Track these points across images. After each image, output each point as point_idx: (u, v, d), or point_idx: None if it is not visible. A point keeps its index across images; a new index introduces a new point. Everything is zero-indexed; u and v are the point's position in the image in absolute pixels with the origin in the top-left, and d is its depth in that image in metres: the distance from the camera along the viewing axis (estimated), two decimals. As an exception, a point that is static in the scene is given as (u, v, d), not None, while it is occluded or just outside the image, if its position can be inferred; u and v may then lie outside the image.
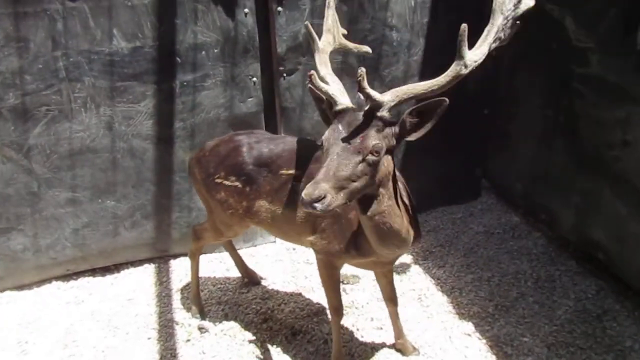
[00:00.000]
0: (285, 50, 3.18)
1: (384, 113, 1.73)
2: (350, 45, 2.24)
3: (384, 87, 3.47)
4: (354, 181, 1.68)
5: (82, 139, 3.03)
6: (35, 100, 2.87)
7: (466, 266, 3.45)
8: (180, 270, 3.50)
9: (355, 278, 3.34)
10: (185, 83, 3.07)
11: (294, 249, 3.69)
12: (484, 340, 2.82)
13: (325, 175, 1.63)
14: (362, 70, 1.61)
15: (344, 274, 3.31)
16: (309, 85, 1.85)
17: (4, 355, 2.86)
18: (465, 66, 1.71)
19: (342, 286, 3.29)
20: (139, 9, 2.84)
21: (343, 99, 1.79)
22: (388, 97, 1.74)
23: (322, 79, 1.89)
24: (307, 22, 2.11)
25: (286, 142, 2.47)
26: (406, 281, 3.34)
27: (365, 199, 1.80)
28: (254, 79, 3.22)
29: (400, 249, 2.09)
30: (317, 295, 3.22)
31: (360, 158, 1.67)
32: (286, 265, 3.55)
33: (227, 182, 2.47)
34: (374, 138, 1.70)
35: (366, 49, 2.34)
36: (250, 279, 3.35)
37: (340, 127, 1.73)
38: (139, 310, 3.15)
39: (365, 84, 1.64)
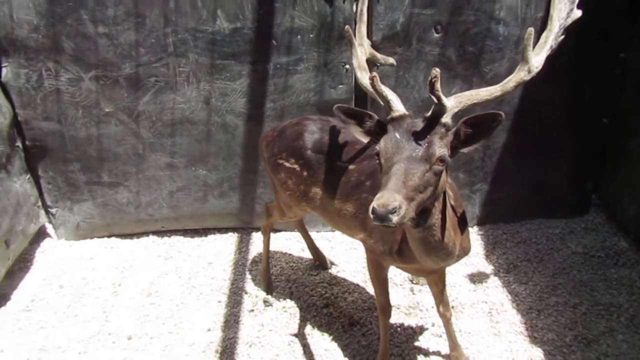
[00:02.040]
0: (381, 39, 3.11)
1: (447, 119, 1.63)
2: (379, 56, 2.14)
3: (483, 85, 3.24)
4: (421, 192, 1.58)
5: (182, 110, 3.29)
6: (147, 71, 3.17)
7: (552, 287, 3.15)
8: (259, 243, 3.66)
9: (425, 280, 3.23)
10: (278, 65, 3.17)
11: (370, 240, 3.68)
12: (552, 372, 2.58)
13: (396, 185, 1.52)
14: (437, 71, 1.52)
15: (415, 274, 3.23)
16: (336, 108, 1.80)
17: (100, 293, 3.27)
18: (529, 71, 1.56)
19: (410, 286, 3.22)
20: (241, -9, 2.98)
21: (399, 105, 1.70)
22: (452, 103, 1.64)
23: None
24: (347, 26, 2.07)
25: (348, 134, 2.44)
26: (480, 292, 3.16)
27: (419, 212, 1.65)
28: (347, 66, 3.21)
29: (444, 262, 1.98)
30: (383, 290, 3.19)
31: (427, 167, 1.57)
32: (359, 255, 3.54)
33: (287, 164, 2.53)
34: (439, 146, 1.59)
35: (391, 61, 2.20)
36: (320, 262, 3.41)
37: (397, 135, 1.63)
38: (216, 274, 3.39)
39: (439, 85, 1.55)
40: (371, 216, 1.50)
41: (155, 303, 3.18)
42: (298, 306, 3.10)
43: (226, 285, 3.31)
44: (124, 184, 3.52)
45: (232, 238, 3.76)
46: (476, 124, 1.60)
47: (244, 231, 3.80)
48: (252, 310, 3.09)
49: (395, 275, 3.27)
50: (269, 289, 3.21)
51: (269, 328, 2.94)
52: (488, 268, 3.36)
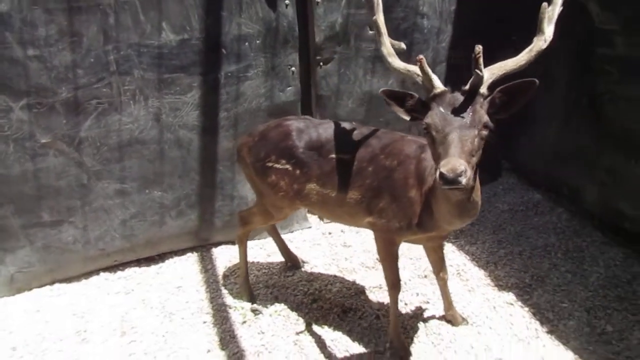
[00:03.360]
0: (323, 39, 3.29)
1: (484, 90, 1.84)
2: (392, 41, 2.33)
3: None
4: (473, 156, 1.78)
5: (130, 130, 3.10)
6: (87, 93, 2.93)
7: (497, 242, 3.62)
8: (222, 257, 3.59)
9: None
10: (229, 74, 3.16)
11: (329, 234, 3.82)
12: (527, 308, 2.98)
13: (457, 151, 1.70)
14: (480, 48, 1.72)
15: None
16: (381, 92, 1.96)
17: (65, 344, 2.91)
18: (545, 41, 1.84)
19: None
20: (187, 2, 2.91)
21: (439, 83, 1.89)
22: (487, 75, 1.85)
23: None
24: (375, 17, 2.22)
25: (334, 127, 2.57)
26: (443, 258, 3.49)
27: None
28: (293, 68, 3.32)
29: (470, 220, 2.22)
30: (360, 275, 3.35)
31: (476, 132, 1.77)
32: (325, 249, 3.66)
33: (278, 166, 2.57)
34: (482, 113, 1.80)
35: (403, 45, 2.40)
36: (293, 262, 3.46)
37: (442, 109, 1.82)
38: (189, 297, 3.24)
39: (482, 61, 1.75)
40: (439, 181, 1.67)
41: (136, 340, 2.93)
42: (288, 307, 3.12)
43: (205, 305, 3.18)
44: (69, 220, 3.17)
45: (192, 258, 3.61)
46: (512, 91, 1.84)
47: (203, 249, 3.67)
48: (245, 322, 3.02)
49: (366, 259, 3.47)
50: (252, 299, 3.17)
51: (270, 334, 2.92)
52: (440, 237, 3.72)
